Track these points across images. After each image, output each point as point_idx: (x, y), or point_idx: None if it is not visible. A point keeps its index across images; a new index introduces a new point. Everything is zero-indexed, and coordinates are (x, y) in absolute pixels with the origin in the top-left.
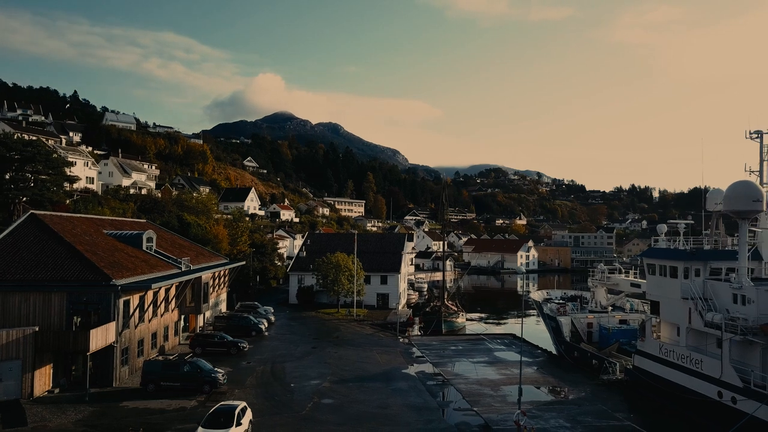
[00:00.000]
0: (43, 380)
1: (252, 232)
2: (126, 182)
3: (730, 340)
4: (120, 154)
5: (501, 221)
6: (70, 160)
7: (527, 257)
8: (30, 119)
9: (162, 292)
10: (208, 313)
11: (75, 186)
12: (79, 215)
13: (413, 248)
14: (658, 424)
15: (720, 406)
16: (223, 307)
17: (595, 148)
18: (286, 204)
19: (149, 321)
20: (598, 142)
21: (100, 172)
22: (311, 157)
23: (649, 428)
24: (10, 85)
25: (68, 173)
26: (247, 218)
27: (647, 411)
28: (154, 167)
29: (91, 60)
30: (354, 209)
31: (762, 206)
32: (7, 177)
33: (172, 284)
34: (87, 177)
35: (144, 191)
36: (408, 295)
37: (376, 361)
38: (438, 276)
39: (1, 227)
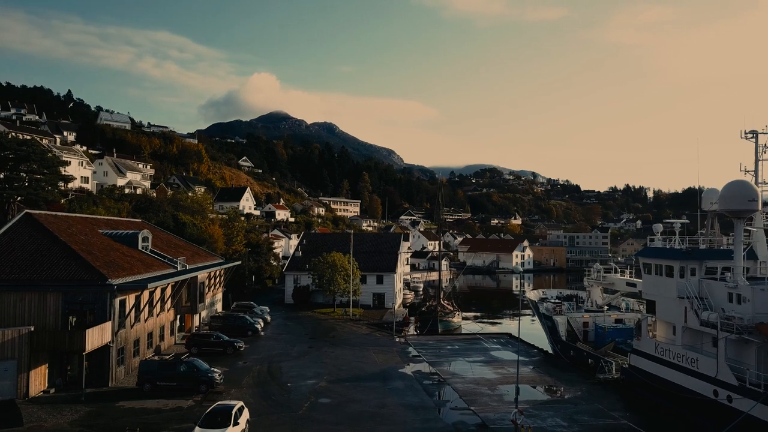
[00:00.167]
0: (38, 380)
1: (247, 232)
2: (121, 182)
3: (725, 339)
4: (115, 154)
5: (496, 221)
6: (65, 159)
7: (522, 257)
8: (24, 118)
9: (158, 292)
10: (203, 313)
11: (70, 185)
12: (74, 215)
13: (409, 248)
14: (654, 423)
15: (716, 404)
16: (218, 307)
17: (590, 148)
18: (281, 204)
19: (145, 321)
20: (593, 142)
21: (94, 172)
22: (306, 157)
23: (645, 427)
24: (4, 84)
25: (63, 173)
26: (243, 218)
27: (643, 410)
28: (149, 167)
29: (85, 59)
30: (349, 209)
31: (757, 206)
32: (1, 176)
33: (168, 284)
34: (82, 176)
35: (139, 191)
36: (404, 294)
37: (372, 360)
38: (434, 276)
39: None
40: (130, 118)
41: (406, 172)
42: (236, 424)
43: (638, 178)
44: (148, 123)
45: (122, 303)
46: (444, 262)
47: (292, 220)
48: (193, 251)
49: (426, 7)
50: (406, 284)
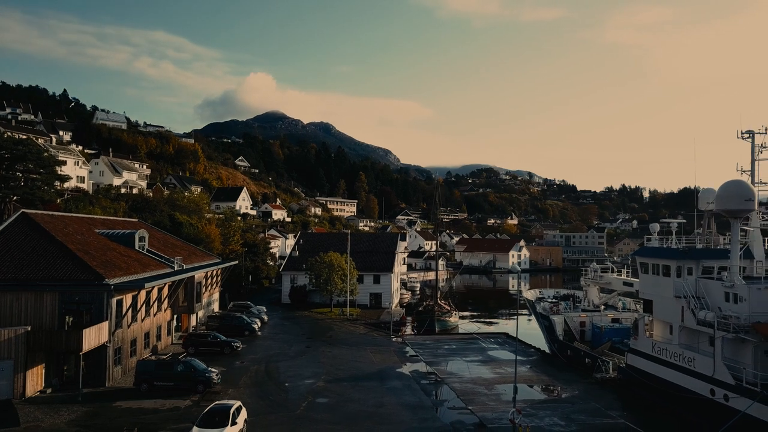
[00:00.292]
0: (35, 380)
1: (244, 232)
2: (117, 181)
3: (722, 338)
4: (111, 153)
5: (492, 221)
6: (61, 159)
7: (519, 257)
8: (20, 118)
9: (155, 292)
10: (200, 313)
11: (66, 185)
12: (70, 214)
13: (406, 248)
14: (651, 422)
15: (712, 403)
16: (215, 307)
17: (587, 148)
18: (278, 203)
19: (142, 320)
20: (589, 142)
21: (90, 171)
22: (303, 157)
23: (642, 426)
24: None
25: (59, 172)
26: (239, 218)
27: (640, 409)
28: (145, 166)
29: (81, 59)
30: (346, 209)
31: (754, 205)
32: None
33: (165, 284)
34: (78, 176)
35: (135, 190)
36: (401, 294)
37: (369, 360)
38: (430, 275)
39: None
40: (126, 117)
41: (402, 172)
42: (234, 423)
43: (634, 178)
44: (145, 123)
45: (119, 303)
46: (441, 262)
47: (288, 220)
48: (190, 251)
49: (424, 7)
50: (403, 284)
